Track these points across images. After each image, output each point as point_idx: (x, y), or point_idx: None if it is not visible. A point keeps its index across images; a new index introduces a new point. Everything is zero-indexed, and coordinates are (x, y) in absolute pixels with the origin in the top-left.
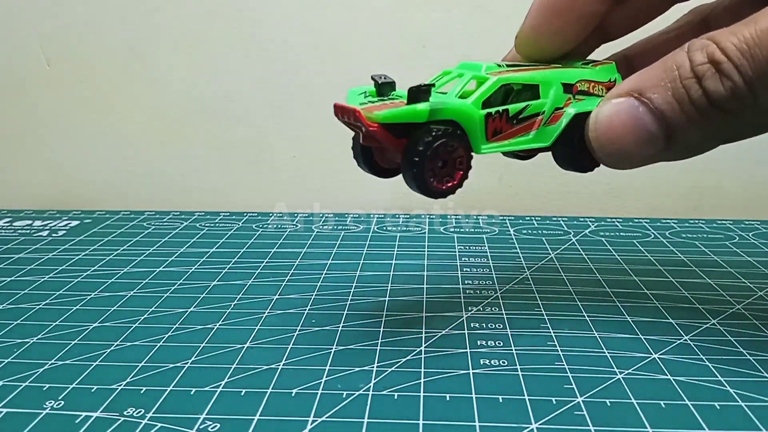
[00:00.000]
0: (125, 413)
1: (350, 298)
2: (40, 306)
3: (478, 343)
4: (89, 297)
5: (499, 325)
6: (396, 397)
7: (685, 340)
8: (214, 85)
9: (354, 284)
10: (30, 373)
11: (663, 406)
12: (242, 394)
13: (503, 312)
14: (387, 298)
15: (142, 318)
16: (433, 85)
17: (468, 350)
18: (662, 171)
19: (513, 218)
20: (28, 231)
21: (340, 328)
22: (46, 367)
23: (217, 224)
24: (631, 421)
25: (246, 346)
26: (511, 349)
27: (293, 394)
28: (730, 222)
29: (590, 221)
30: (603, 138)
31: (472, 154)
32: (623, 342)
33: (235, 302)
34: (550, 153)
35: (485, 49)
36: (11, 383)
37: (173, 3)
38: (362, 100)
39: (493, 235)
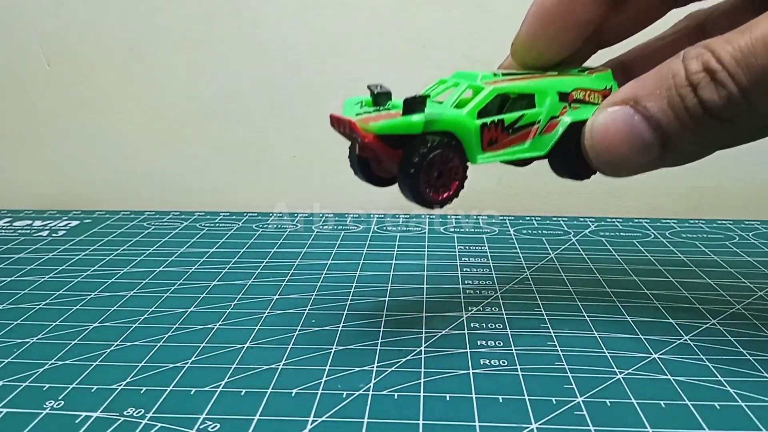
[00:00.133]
0: (125, 413)
1: (350, 298)
2: (40, 306)
3: (478, 343)
4: (89, 297)
5: (499, 325)
6: (396, 397)
7: (685, 340)
8: (214, 85)
9: (354, 284)
10: (30, 373)
11: (663, 406)
12: (242, 394)
13: (503, 312)
14: (387, 298)
15: (142, 318)
16: (429, 96)
17: (468, 350)
18: (662, 171)
19: (513, 218)
20: (28, 231)
21: (340, 328)
22: (46, 367)
23: (217, 224)
24: (631, 421)
25: (246, 346)
26: (511, 349)
27: (293, 394)
28: (730, 222)
29: (590, 221)
30: (599, 146)
31: (468, 164)
32: (623, 342)
33: (235, 302)
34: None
35: (485, 49)
36: (11, 383)
37: (173, 3)
38: (358, 110)
39: (493, 235)
